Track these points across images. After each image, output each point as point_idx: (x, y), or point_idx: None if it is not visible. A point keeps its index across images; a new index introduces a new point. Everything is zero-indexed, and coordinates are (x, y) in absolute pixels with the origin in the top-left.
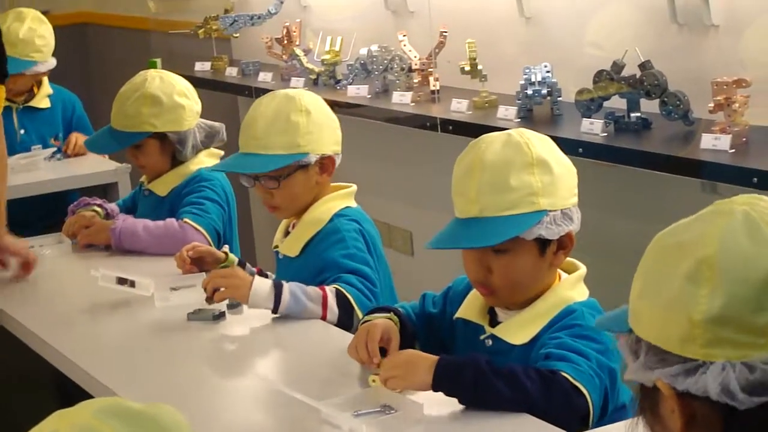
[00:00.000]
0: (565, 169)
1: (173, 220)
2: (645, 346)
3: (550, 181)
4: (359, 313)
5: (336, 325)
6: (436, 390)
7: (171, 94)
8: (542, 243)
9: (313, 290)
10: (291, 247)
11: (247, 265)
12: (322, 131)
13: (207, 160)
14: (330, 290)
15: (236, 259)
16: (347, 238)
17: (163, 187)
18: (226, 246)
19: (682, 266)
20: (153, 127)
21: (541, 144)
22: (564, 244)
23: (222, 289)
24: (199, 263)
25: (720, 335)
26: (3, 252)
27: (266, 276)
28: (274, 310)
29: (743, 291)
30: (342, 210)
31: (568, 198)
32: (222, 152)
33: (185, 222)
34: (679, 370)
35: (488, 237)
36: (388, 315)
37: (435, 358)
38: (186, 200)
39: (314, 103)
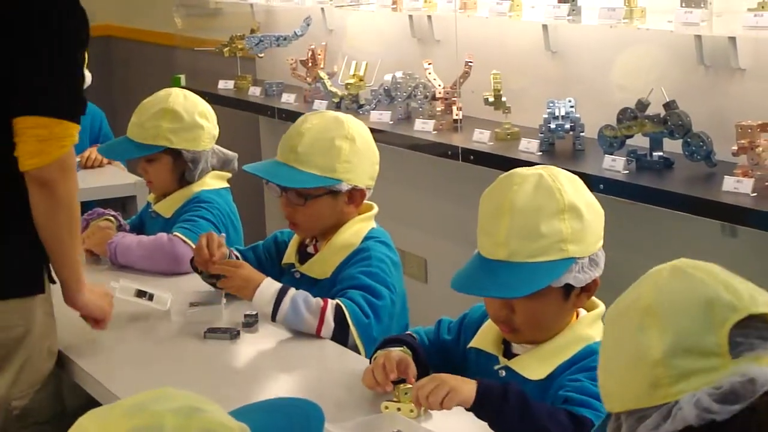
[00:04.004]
0: (594, 214)
1: (164, 234)
2: (623, 418)
3: (579, 227)
4: (354, 330)
5: (332, 339)
6: (478, 407)
7: (192, 113)
8: (567, 287)
9: (316, 302)
10: (319, 269)
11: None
12: (361, 162)
13: (213, 182)
14: (331, 303)
15: None
16: (373, 257)
17: (168, 208)
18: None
19: (631, 324)
20: (169, 143)
21: (572, 188)
22: (588, 287)
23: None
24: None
25: (683, 367)
26: (81, 310)
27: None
28: (273, 318)
29: (685, 321)
30: (370, 232)
31: (596, 243)
32: (229, 175)
33: (175, 235)
34: (657, 419)
35: (519, 286)
36: (402, 348)
37: (471, 380)
38: (181, 218)
39: (361, 132)
